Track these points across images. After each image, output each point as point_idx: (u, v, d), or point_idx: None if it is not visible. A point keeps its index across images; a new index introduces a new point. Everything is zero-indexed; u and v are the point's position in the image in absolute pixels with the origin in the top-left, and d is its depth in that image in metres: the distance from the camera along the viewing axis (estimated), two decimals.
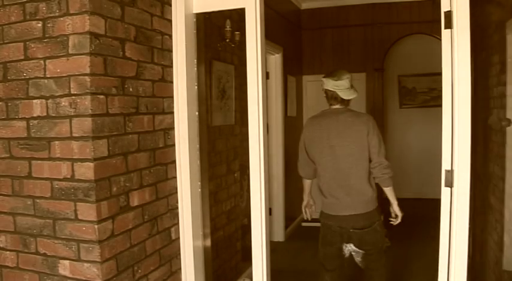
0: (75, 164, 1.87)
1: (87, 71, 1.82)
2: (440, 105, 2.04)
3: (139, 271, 2.16)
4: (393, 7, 5.44)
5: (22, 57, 1.93)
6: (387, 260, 2.89)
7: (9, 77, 1.97)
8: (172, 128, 2.42)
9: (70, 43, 1.84)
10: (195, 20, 2.48)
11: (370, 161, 2.62)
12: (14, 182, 2.01)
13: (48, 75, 1.89)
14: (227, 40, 3.17)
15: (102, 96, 1.90)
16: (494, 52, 2.97)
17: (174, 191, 2.44)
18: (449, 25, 1.98)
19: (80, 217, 1.89)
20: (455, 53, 1.97)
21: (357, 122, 2.65)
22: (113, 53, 1.96)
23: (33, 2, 1.89)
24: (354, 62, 5.67)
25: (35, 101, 1.92)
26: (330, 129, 2.68)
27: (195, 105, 2.50)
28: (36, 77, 1.91)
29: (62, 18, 1.85)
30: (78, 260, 1.91)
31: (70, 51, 1.84)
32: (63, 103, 1.87)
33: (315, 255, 4.46)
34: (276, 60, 4.88)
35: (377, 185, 2.68)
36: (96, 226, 1.87)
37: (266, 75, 2.79)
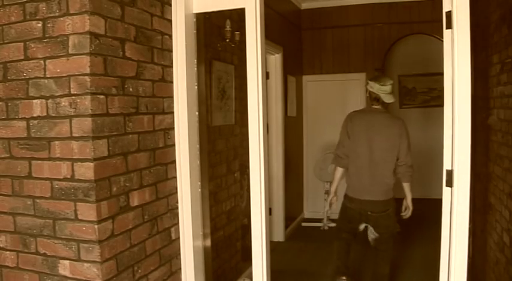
0: (75, 164, 1.87)
1: (87, 71, 1.82)
2: (441, 105, 2.05)
3: (139, 271, 2.16)
4: (393, 7, 5.44)
5: (22, 57, 1.93)
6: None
7: (9, 77, 1.97)
8: (172, 128, 2.42)
9: (70, 43, 1.84)
10: (195, 20, 2.48)
11: (397, 159, 3.06)
12: (14, 182, 2.01)
13: (48, 75, 1.89)
14: (227, 40, 3.17)
15: (102, 96, 1.90)
16: (494, 52, 2.97)
17: (174, 191, 2.44)
18: (450, 25, 1.99)
19: (80, 217, 1.89)
20: (456, 53, 1.97)
21: (394, 124, 3.12)
22: (113, 53, 1.96)
23: (33, 2, 1.89)
24: (354, 62, 5.67)
25: (35, 101, 1.92)
26: (370, 125, 3.13)
27: (195, 105, 2.50)
28: (36, 77, 1.91)
29: (62, 18, 1.85)
30: (78, 260, 1.91)
31: (70, 51, 1.84)
32: (63, 103, 1.87)
33: (315, 255, 4.51)
34: (276, 60, 4.88)
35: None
36: (96, 226, 1.87)
37: (266, 75, 2.79)
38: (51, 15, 1.86)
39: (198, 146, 2.54)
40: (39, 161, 1.94)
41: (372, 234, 3.17)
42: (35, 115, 1.93)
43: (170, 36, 2.39)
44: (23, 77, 1.94)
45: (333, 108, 5.79)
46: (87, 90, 1.83)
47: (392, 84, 3.14)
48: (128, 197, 2.07)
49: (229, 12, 2.97)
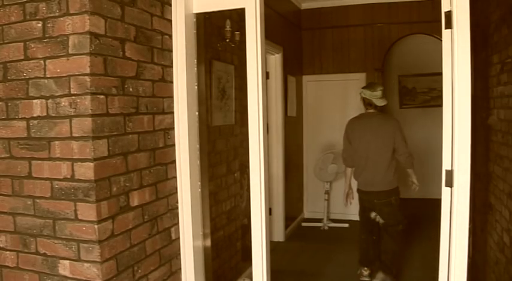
0: (75, 164, 1.87)
1: (87, 71, 1.82)
2: (441, 105, 2.04)
3: (139, 271, 2.16)
4: (393, 7, 5.44)
5: (22, 57, 1.93)
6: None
7: (9, 77, 1.97)
8: (172, 128, 2.42)
9: (70, 43, 1.84)
10: (195, 20, 2.48)
11: (393, 152, 3.51)
12: (14, 182, 2.01)
13: (48, 75, 1.89)
14: (227, 40, 3.17)
15: (102, 96, 1.90)
16: (494, 52, 2.97)
17: (174, 191, 2.45)
18: (449, 25, 1.98)
19: (80, 217, 1.89)
20: (456, 53, 1.96)
21: (386, 124, 3.58)
22: (113, 53, 1.96)
23: (33, 2, 1.89)
24: (354, 62, 5.67)
25: (35, 101, 1.92)
26: (367, 127, 3.60)
27: (195, 105, 2.50)
28: (36, 77, 1.91)
29: (62, 18, 1.85)
30: (78, 260, 1.91)
31: (70, 51, 1.84)
32: (63, 103, 1.87)
33: (315, 255, 4.53)
34: (276, 60, 4.88)
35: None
36: (96, 226, 1.87)
37: (266, 75, 2.79)
38: (51, 15, 1.86)
39: (198, 146, 2.54)
40: (39, 161, 1.94)
41: (380, 220, 3.65)
42: (35, 115, 1.93)
43: (170, 36, 2.39)
44: (23, 77, 1.94)
45: (333, 108, 5.79)
46: (87, 90, 1.83)
47: (382, 89, 3.59)
48: (127, 197, 2.07)
49: (229, 12, 2.97)
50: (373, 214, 3.66)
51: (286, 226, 5.14)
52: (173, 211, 2.45)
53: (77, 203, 1.89)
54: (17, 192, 2.00)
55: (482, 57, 3.25)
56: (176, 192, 2.46)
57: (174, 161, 2.44)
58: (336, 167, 5.39)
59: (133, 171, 2.11)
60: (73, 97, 1.85)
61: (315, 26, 5.75)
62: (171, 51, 2.40)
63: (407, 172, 3.66)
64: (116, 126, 1.99)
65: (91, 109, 1.84)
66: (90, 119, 1.84)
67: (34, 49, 1.90)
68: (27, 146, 1.96)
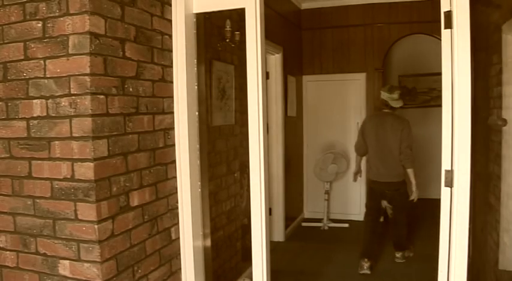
0: (75, 164, 1.87)
1: (87, 71, 1.82)
2: (441, 105, 2.04)
3: (139, 271, 2.16)
4: (393, 7, 5.43)
5: (22, 57, 1.93)
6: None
7: (9, 77, 1.97)
8: (172, 128, 2.42)
9: (70, 43, 1.84)
10: (195, 20, 2.48)
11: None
12: (14, 182, 2.01)
13: (48, 75, 1.89)
14: (227, 40, 3.17)
15: (102, 96, 1.90)
16: (494, 52, 2.97)
17: (174, 191, 2.45)
18: (449, 25, 1.98)
19: (80, 217, 1.89)
20: (455, 53, 1.96)
21: (397, 123, 3.95)
22: (113, 53, 1.96)
23: (33, 2, 1.89)
24: (353, 62, 5.67)
25: (35, 101, 1.92)
26: (379, 125, 4.03)
27: (195, 105, 2.50)
28: (36, 77, 1.91)
29: (62, 18, 1.85)
30: (78, 260, 1.91)
31: (70, 51, 1.84)
32: (63, 103, 1.87)
33: (315, 255, 4.55)
34: (276, 60, 4.88)
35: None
36: (96, 226, 1.87)
37: (266, 75, 2.79)
38: (51, 15, 1.86)
39: (198, 146, 2.54)
40: (39, 161, 1.94)
41: (389, 209, 4.25)
42: (35, 115, 1.93)
43: (170, 36, 2.39)
44: (23, 77, 1.94)
45: (333, 108, 5.79)
46: (87, 90, 1.83)
47: (399, 93, 3.99)
48: (128, 197, 2.07)
49: (229, 12, 2.97)
50: (384, 203, 4.19)
51: (286, 226, 5.14)
52: (173, 211, 2.45)
53: (77, 203, 1.89)
54: (17, 192, 2.00)
55: (482, 57, 3.25)
56: (176, 192, 2.46)
57: (174, 161, 2.44)
58: (336, 167, 5.39)
59: (133, 171, 2.11)
60: (73, 97, 1.85)
61: (315, 26, 5.75)
62: (171, 51, 2.40)
63: (407, 172, 3.91)
64: (116, 126, 1.99)
65: (91, 109, 1.84)
66: (90, 119, 1.84)
67: (34, 49, 1.90)
68: (27, 146, 1.96)
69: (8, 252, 2.06)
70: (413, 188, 3.94)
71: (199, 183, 2.55)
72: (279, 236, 4.98)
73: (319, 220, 5.57)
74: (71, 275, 1.93)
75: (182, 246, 2.49)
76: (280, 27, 5.02)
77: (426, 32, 5.35)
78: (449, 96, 2.01)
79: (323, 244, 4.97)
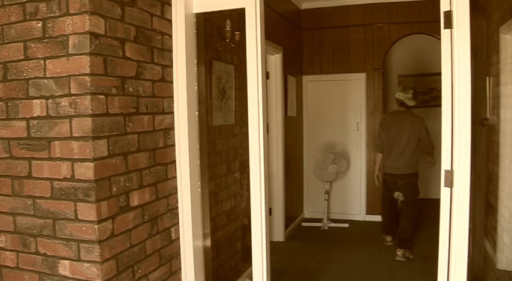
0: (75, 164, 1.88)
1: (87, 71, 1.83)
2: (441, 105, 2.04)
3: (139, 271, 2.16)
4: (393, 7, 5.44)
5: (22, 57, 1.93)
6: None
7: (9, 77, 1.97)
8: (172, 128, 2.43)
9: (70, 43, 1.84)
10: (195, 20, 2.48)
11: (417, 144, 4.31)
12: (14, 182, 2.01)
13: (48, 75, 1.89)
14: (227, 40, 3.17)
15: (102, 96, 1.90)
16: (494, 52, 2.97)
17: (174, 191, 2.45)
18: (448, 25, 1.98)
19: (80, 217, 1.89)
20: (455, 53, 1.96)
21: (414, 120, 4.36)
22: (113, 53, 1.96)
23: (33, 2, 1.89)
24: (354, 62, 5.67)
25: (35, 101, 1.93)
26: (396, 122, 4.45)
27: (195, 105, 2.50)
28: (36, 77, 1.91)
29: (62, 18, 1.85)
30: (78, 260, 1.91)
31: (70, 51, 1.84)
32: (63, 103, 1.87)
33: (315, 255, 4.56)
34: (276, 60, 4.88)
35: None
36: (96, 226, 1.87)
37: (266, 75, 2.79)
38: (51, 15, 1.86)
39: (198, 146, 2.54)
40: (39, 161, 1.94)
41: (400, 198, 4.45)
42: (35, 115, 1.93)
43: (170, 36, 2.39)
44: (23, 77, 1.94)
45: (333, 108, 5.79)
46: (87, 90, 1.83)
47: (412, 92, 4.41)
48: (128, 197, 2.07)
49: (229, 12, 2.98)
50: (396, 194, 4.49)
51: (286, 226, 5.14)
52: (173, 211, 2.45)
53: (77, 203, 1.89)
54: (17, 192, 2.00)
55: (482, 57, 3.25)
56: (176, 192, 2.46)
57: (174, 161, 2.44)
58: (335, 167, 5.39)
59: (133, 171, 2.11)
60: (73, 97, 1.85)
61: (315, 26, 5.75)
62: (171, 51, 2.40)
63: (428, 156, 4.52)
64: (116, 126, 1.99)
65: (91, 109, 1.84)
66: (90, 119, 1.84)
67: (34, 49, 1.90)
68: (27, 146, 1.96)
69: (8, 252, 2.06)
70: (431, 159, 4.48)
71: (199, 183, 2.55)
72: (279, 236, 4.98)
73: (319, 220, 5.57)
74: (71, 275, 1.93)
75: (182, 246, 2.49)
76: (280, 27, 5.02)
77: (426, 32, 5.35)
78: (449, 96, 2.00)
79: (323, 244, 4.97)
